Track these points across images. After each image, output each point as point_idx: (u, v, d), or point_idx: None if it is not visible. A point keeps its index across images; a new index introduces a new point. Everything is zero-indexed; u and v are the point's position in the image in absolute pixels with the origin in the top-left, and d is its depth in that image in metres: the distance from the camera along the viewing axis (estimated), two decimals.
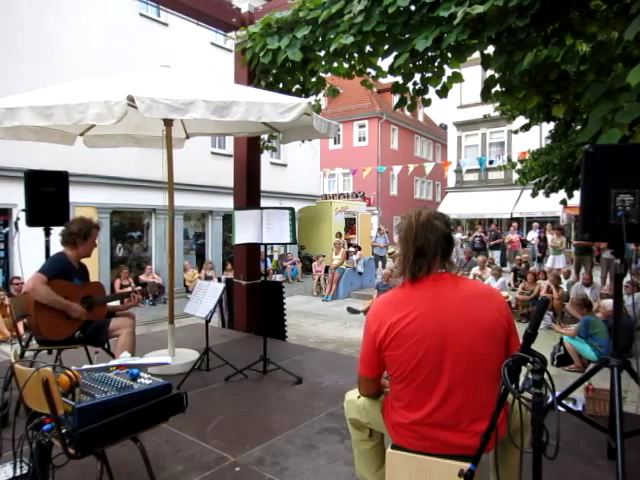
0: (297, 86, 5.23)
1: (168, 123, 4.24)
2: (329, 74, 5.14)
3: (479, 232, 14.92)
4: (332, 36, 4.28)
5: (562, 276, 9.99)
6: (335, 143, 26.54)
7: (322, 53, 4.60)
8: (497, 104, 8.10)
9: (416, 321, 1.70)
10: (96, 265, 10.54)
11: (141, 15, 11.75)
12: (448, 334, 1.69)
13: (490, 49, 3.77)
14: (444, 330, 1.69)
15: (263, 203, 5.61)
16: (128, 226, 12.53)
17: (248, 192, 5.70)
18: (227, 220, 13.65)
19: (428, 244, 1.74)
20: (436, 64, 4.19)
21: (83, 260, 3.68)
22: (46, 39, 9.69)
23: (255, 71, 5.14)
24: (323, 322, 9.31)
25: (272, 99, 3.63)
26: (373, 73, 4.91)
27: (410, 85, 4.42)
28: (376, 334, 1.76)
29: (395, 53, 4.00)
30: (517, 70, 3.54)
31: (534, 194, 9.70)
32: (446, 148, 25.66)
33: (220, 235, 14.41)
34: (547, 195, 9.33)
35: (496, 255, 13.99)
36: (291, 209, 4.23)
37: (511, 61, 3.55)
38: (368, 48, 4.33)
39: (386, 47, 4.13)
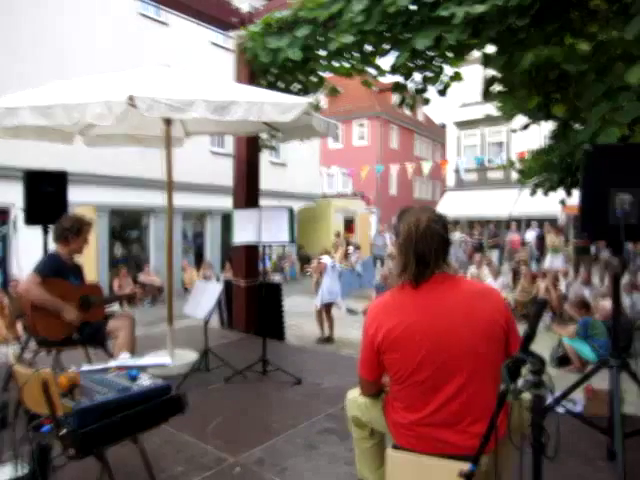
0: (297, 85, 5.23)
1: (168, 123, 4.23)
2: (329, 74, 5.13)
3: (477, 233, 14.96)
4: (332, 36, 4.28)
5: (561, 276, 9.97)
6: (335, 142, 26.51)
7: (322, 52, 4.60)
8: (498, 104, 8.09)
9: (414, 324, 1.69)
10: (94, 265, 10.51)
11: (141, 15, 11.73)
12: (447, 336, 1.68)
13: (490, 49, 3.77)
14: (443, 332, 1.68)
15: (262, 202, 5.61)
16: (127, 226, 12.50)
17: (247, 191, 5.69)
18: (226, 220, 13.63)
19: (429, 251, 1.73)
20: (436, 64, 4.19)
21: (80, 260, 3.67)
22: (46, 39, 9.67)
23: (255, 71, 5.14)
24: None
25: (272, 98, 3.62)
26: (373, 72, 4.90)
27: (410, 84, 4.42)
28: (374, 337, 1.75)
29: (395, 53, 4.00)
30: (517, 70, 3.54)
31: (533, 193, 9.69)
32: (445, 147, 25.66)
33: (219, 235, 14.37)
34: (546, 194, 9.33)
35: (494, 255, 13.98)
36: (290, 208, 4.23)
37: (511, 61, 3.55)
38: (368, 48, 4.32)
39: (386, 47, 4.13)
